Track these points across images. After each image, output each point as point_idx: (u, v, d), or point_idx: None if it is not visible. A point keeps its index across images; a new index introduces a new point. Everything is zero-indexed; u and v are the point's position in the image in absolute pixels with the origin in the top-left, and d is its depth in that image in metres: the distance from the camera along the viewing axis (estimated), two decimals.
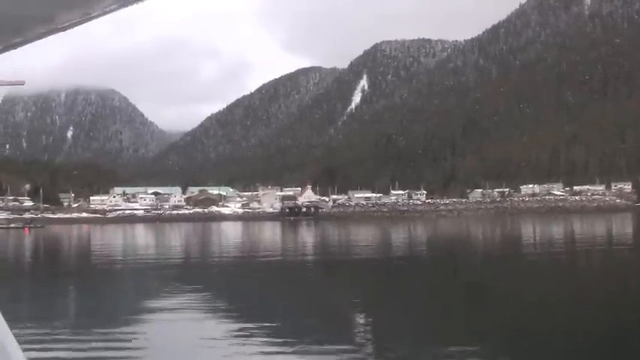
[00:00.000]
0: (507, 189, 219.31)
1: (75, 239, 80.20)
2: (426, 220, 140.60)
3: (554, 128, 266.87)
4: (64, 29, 2.64)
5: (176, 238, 78.84)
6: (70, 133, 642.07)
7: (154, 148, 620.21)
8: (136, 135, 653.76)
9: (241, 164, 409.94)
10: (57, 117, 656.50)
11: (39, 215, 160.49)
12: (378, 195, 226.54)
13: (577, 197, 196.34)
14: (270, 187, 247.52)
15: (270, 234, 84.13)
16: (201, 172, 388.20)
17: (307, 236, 76.14)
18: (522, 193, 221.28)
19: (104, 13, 2.18)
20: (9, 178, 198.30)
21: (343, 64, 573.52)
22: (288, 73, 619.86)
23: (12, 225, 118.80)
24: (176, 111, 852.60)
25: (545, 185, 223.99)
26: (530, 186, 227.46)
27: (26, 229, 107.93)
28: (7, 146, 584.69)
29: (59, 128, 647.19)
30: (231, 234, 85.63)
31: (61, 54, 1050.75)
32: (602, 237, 63.23)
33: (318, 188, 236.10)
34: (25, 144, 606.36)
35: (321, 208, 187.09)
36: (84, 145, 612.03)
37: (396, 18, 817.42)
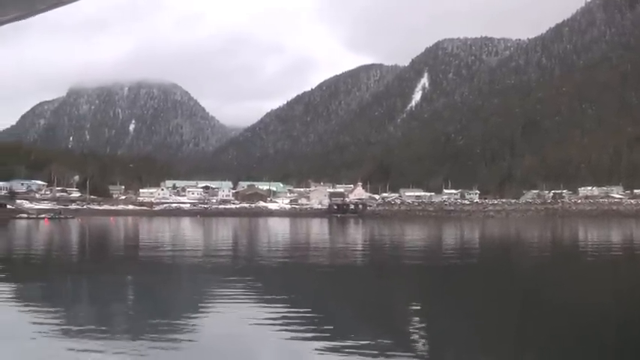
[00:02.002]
0: (564, 190, 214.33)
1: (93, 231, 79.12)
2: (473, 220, 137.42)
3: (617, 130, 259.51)
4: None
5: (210, 232, 77.42)
6: (132, 127, 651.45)
7: (214, 143, 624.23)
8: (196, 129, 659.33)
9: (299, 160, 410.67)
10: (120, 110, 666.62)
11: (84, 206, 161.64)
12: (430, 194, 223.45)
13: (633, 201, 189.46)
14: (322, 183, 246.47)
15: (317, 231, 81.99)
16: (258, 167, 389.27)
17: (355, 235, 73.98)
18: (580, 195, 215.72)
19: None
20: (60, 169, 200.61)
21: (404, 61, 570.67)
22: (349, 69, 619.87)
23: (42, 215, 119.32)
24: (237, 106, 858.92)
25: (605, 188, 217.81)
26: (589, 188, 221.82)
27: (45, 219, 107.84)
28: (71, 138, 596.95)
29: (121, 121, 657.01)
30: (275, 230, 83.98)
31: (125, 48, 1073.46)
32: None
33: (370, 186, 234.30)
34: (88, 136, 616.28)
35: (369, 206, 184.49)
36: (145, 139, 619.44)
37: (458, 16, 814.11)
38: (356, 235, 74.11)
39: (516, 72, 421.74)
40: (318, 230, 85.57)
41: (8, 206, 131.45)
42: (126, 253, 44.82)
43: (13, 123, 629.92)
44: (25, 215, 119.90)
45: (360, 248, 51.18)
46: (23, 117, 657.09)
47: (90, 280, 27.15)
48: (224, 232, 78.62)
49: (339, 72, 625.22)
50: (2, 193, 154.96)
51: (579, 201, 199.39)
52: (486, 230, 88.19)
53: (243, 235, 70.60)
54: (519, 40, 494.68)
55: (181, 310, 18.47)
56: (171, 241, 58.64)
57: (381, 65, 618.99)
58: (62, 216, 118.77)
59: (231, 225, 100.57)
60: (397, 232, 79.34)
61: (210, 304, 19.38)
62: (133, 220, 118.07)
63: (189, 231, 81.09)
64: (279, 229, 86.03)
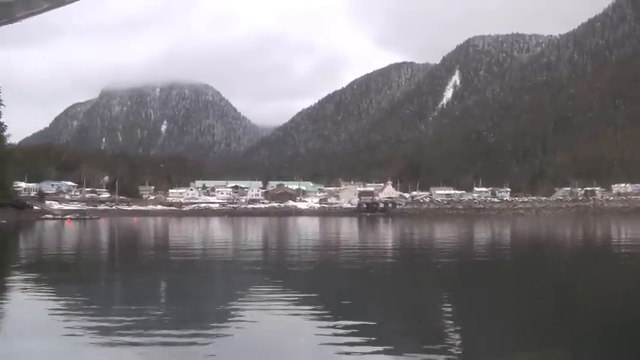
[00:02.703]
0: (597, 187, 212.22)
1: (112, 231, 79.69)
2: (503, 218, 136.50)
3: None
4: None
5: (234, 231, 77.34)
6: (164, 127, 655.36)
7: (245, 143, 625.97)
8: (228, 129, 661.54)
9: (330, 159, 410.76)
10: (151, 111, 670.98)
11: (113, 207, 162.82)
12: (461, 192, 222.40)
13: None
14: (352, 182, 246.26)
15: (347, 230, 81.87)
16: (289, 166, 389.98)
17: (385, 233, 73.78)
18: (614, 192, 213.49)
19: None
20: (90, 170, 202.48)
21: (436, 59, 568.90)
22: (380, 68, 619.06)
23: (66, 216, 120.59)
24: (269, 106, 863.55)
25: (638, 184, 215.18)
26: (622, 185, 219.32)
27: (68, 220, 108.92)
28: (104, 140, 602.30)
29: (153, 122, 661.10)
30: (304, 229, 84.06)
31: (157, 49, 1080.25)
32: None
33: (400, 184, 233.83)
34: (120, 138, 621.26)
35: (398, 205, 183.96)
36: (177, 139, 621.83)
37: (489, 12, 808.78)
38: (386, 233, 73.85)
39: (548, 68, 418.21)
40: (348, 229, 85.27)
41: (35, 207, 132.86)
42: (134, 254, 44.70)
43: (47, 125, 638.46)
44: (51, 216, 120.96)
45: (392, 247, 51.12)
46: (57, 119, 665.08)
47: (100, 281, 27.32)
48: (250, 231, 78.57)
49: (370, 70, 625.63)
50: (32, 194, 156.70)
51: (611, 198, 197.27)
52: (517, 228, 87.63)
53: (271, 234, 70.60)
54: (551, 36, 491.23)
55: (211, 313, 18.23)
56: (189, 240, 58.81)
57: (412, 63, 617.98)
58: (87, 217, 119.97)
59: (259, 224, 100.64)
60: (427, 230, 78.97)
61: (242, 305, 19.23)
62: (157, 221, 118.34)
63: (208, 230, 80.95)
64: (308, 228, 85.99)
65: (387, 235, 70.71)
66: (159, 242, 58.45)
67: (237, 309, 18.38)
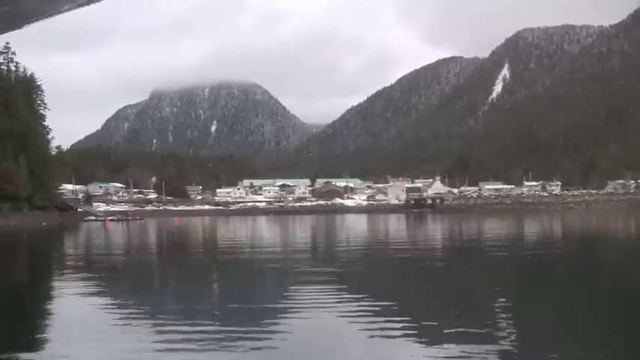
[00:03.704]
0: None
1: (148, 232, 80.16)
2: (552, 212, 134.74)
3: None
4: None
5: (277, 231, 77.22)
6: (213, 127, 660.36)
7: (295, 141, 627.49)
8: (277, 128, 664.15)
9: (379, 156, 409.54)
10: (201, 111, 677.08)
11: (160, 207, 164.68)
12: (510, 186, 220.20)
13: None
14: (401, 178, 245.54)
15: (395, 227, 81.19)
16: (338, 164, 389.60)
17: (434, 229, 73.06)
18: None
19: None
20: (137, 171, 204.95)
21: (484, 53, 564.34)
22: (428, 63, 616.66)
23: (109, 217, 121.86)
24: (318, 104, 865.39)
25: None
26: None
27: (107, 222, 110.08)
28: (154, 141, 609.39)
29: (203, 122, 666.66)
30: (353, 226, 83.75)
31: (206, 50, 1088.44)
32: None
33: (448, 180, 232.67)
34: (171, 138, 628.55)
35: (446, 201, 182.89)
36: (227, 139, 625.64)
37: (539, 4, 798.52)
38: (435, 229, 73.11)
39: (599, 59, 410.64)
40: (396, 226, 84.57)
41: (79, 209, 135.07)
42: (166, 254, 44.92)
43: (99, 128, 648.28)
44: (93, 218, 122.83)
45: (444, 243, 50.69)
46: (108, 121, 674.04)
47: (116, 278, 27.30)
48: (295, 230, 78.61)
49: (418, 66, 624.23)
50: (79, 197, 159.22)
51: None
52: (567, 222, 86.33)
53: (319, 232, 70.43)
54: (601, 26, 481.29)
55: (267, 309, 18.28)
56: (231, 239, 58.64)
57: (460, 58, 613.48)
58: (129, 218, 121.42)
59: (305, 222, 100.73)
60: (476, 225, 78.20)
61: (297, 302, 19.15)
62: (202, 221, 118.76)
63: (249, 230, 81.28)
64: (356, 226, 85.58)
65: (436, 231, 70.00)
66: (195, 243, 58.44)
67: (293, 306, 18.46)
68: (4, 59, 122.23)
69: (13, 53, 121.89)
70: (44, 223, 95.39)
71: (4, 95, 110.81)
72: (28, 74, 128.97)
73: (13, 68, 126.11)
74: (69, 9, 3.83)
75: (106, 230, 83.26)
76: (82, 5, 3.82)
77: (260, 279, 27.11)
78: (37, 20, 3.89)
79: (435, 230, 70.97)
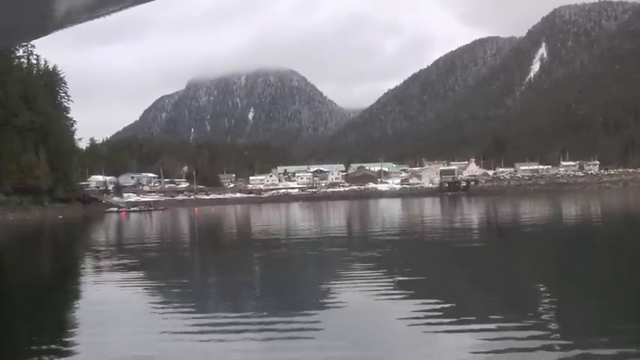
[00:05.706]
0: None
1: (164, 222, 79.80)
2: (587, 192, 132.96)
3: None
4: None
5: (307, 218, 76.76)
6: (251, 115, 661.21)
7: (332, 127, 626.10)
8: (315, 114, 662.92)
9: (417, 139, 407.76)
10: (238, 100, 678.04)
11: (191, 196, 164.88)
12: (546, 167, 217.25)
13: None
14: (436, 161, 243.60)
15: (429, 212, 79.75)
16: (376, 148, 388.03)
17: (468, 213, 72.38)
18: None
19: None
20: (169, 161, 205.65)
21: (521, 32, 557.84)
22: (465, 44, 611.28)
23: (132, 209, 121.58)
24: (355, 89, 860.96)
25: None
26: None
27: (123, 213, 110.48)
28: (192, 130, 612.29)
29: (240, 111, 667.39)
30: (386, 211, 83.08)
31: (242, 38, 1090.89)
32: None
33: (484, 161, 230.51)
34: (208, 127, 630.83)
35: (480, 182, 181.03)
36: (265, 126, 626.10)
37: None
38: (469, 212, 72.43)
39: (635, 36, 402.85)
40: (430, 210, 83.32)
41: (103, 201, 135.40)
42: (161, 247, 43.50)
43: (137, 119, 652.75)
44: (115, 209, 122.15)
45: (480, 226, 50.55)
46: (145, 112, 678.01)
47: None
48: (325, 216, 78.33)
49: (454, 47, 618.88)
50: (109, 188, 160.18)
51: None
52: (602, 202, 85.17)
53: (352, 218, 70.25)
54: (636, 2, 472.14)
55: (309, 294, 19.31)
56: (260, 227, 58.55)
57: (497, 38, 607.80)
58: (151, 208, 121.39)
59: (336, 208, 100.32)
60: (508, 209, 77.21)
61: (338, 287, 19.89)
62: (233, 209, 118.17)
63: (276, 217, 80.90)
64: (389, 210, 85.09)
65: (470, 214, 69.40)
66: (214, 233, 57.96)
67: (334, 290, 19.16)
68: (24, 52, 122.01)
69: (33, 46, 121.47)
70: (60, 217, 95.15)
71: (24, 89, 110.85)
72: (50, 67, 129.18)
73: (33, 62, 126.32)
74: (112, 11, 3.79)
75: (120, 221, 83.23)
76: (125, 7, 3.78)
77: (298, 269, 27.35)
78: (81, 22, 3.92)
79: (470, 213, 70.44)
